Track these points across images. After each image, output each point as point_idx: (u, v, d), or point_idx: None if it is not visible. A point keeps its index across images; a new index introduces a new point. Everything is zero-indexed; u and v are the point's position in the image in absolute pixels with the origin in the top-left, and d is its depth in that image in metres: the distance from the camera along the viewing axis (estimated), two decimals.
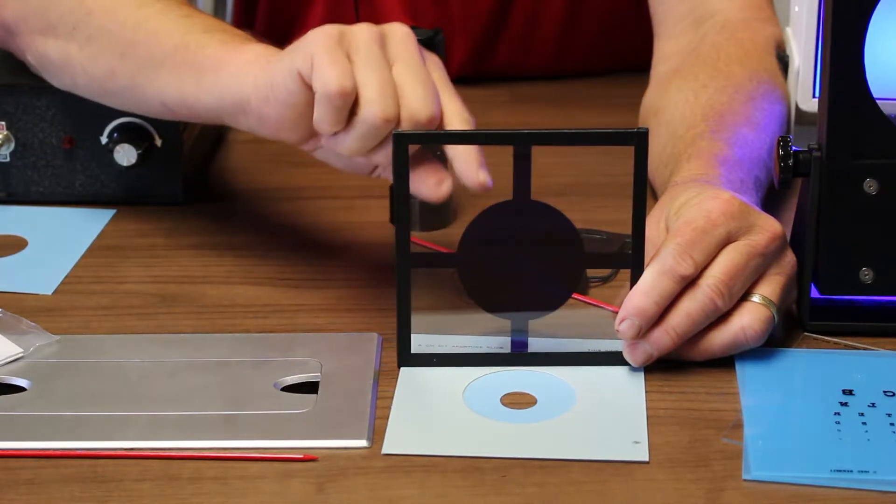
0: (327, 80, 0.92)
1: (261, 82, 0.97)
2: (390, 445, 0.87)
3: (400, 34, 0.96)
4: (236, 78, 0.99)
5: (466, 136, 0.94)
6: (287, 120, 0.96)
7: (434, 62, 0.97)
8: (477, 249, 0.93)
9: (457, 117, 0.95)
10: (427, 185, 0.94)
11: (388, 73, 0.93)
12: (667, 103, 1.17)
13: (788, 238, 1.03)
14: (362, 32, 0.95)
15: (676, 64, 1.22)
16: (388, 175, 0.97)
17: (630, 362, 0.94)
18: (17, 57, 1.17)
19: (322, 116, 0.93)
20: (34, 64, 1.14)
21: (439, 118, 0.94)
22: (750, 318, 0.94)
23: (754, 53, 1.19)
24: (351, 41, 0.94)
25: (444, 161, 0.94)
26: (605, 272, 1.06)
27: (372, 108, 0.92)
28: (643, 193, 0.91)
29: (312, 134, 0.97)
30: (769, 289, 0.94)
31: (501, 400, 0.92)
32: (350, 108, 0.92)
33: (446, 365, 0.95)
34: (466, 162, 0.93)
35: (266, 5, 1.49)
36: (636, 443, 0.87)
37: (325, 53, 0.93)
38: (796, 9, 1.19)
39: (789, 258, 0.96)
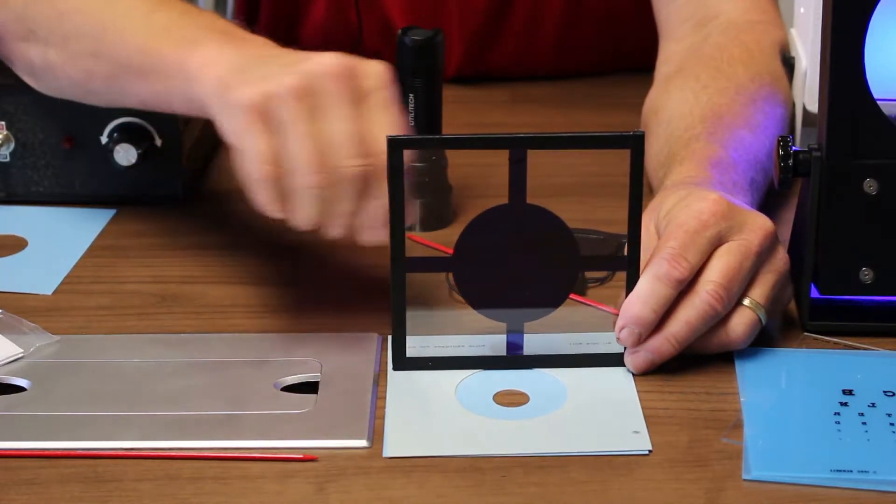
0: (251, 168, 0.90)
1: (214, 109, 0.94)
2: (391, 448, 0.87)
3: (329, 77, 0.91)
4: (194, 88, 0.96)
5: (461, 141, 0.94)
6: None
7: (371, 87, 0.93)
8: (473, 253, 0.93)
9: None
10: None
11: (313, 141, 0.90)
12: (667, 103, 1.17)
13: (788, 238, 1.04)
14: (288, 95, 0.90)
15: (679, 64, 1.22)
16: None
17: (631, 369, 0.94)
18: (6, 64, 1.16)
19: (263, 202, 0.91)
20: (21, 72, 1.14)
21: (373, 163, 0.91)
22: (734, 321, 0.94)
23: (758, 55, 1.19)
24: (276, 109, 0.90)
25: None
26: (603, 273, 1.06)
27: (305, 179, 0.90)
28: (639, 196, 0.91)
29: None
30: (758, 290, 0.95)
31: (494, 398, 0.92)
32: (285, 183, 0.90)
33: (441, 368, 0.95)
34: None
35: (268, 4, 1.49)
36: (636, 432, 0.88)
37: (242, 136, 0.90)
38: (801, 10, 1.18)
39: (781, 255, 0.96)
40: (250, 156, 0.90)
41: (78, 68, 1.07)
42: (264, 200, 0.91)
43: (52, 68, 1.09)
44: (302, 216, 0.92)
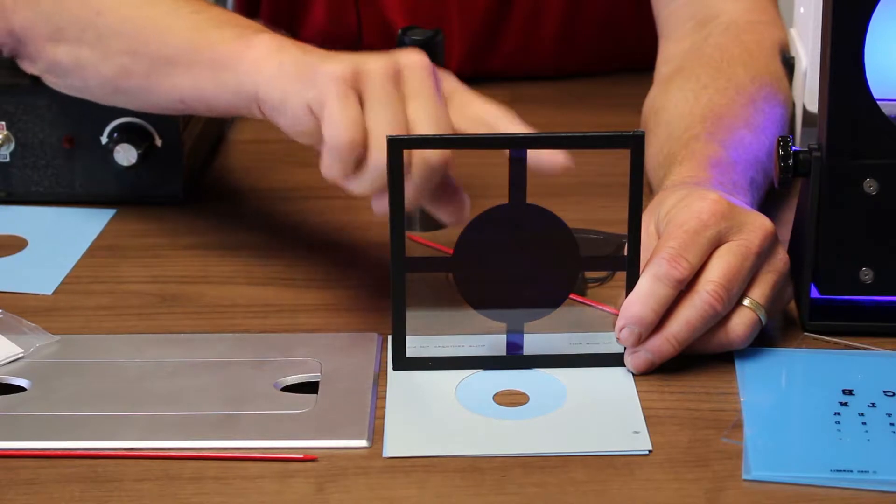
0: (337, 132, 0.91)
1: (274, 93, 0.96)
2: (391, 448, 0.87)
3: (417, 68, 0.94)
4: (249, 77, 0.98)
5: (462, 140, 0.94)
6: (298, 134, 0.96)
7: (452, 87, 0.96)
8: (473, 253, 0.93)
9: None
10: (447, 210, 0.95)
11: (400, 117, 0.93)
12: (667, 103, 1.17)
13: (788, 238, 1.04)
14: (376, 72, 0.93)
15: (679, 64, 1.22)
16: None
17: (631, 369, 0.94)
18: (23, 68, 1.16)
19: (331, 165, 0.93)
20: (44, 71, 1.13)
21: (450, 159, 0.93)
22: (734, 322, 0.94)
23: (758, 56, 1.19)
24: (364, 82, 0.93)
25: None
26: (603, 273, 1.06)
27: (381, 156, 0.91)
28: (639, 196, 0.91)
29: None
30: (759, 291, 0.95)
31: (494, 398, 0.92)
32: (360, 155, 0.92)
33: (441, 368, 0.95)
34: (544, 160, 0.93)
35: (268, 4, 1.49)
36: (636, 432, 0.88)
37: (336, 100, 0.92)
38: (801, 10, 1.18)
39: (781, 255, 0.96)
40: (337, 121, 0.92)
41: (112, 66, 1.07)
42: (337, 167, 0.93)
43: (83, 67, 1.09)
44: (365, 188, 0.93)
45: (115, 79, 1.08)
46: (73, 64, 1.10)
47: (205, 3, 1.07)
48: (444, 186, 0.94)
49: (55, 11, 1.10)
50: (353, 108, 0.92)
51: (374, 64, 0.94)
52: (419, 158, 0.91)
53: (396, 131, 0.92)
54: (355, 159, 0.92)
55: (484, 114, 0.95)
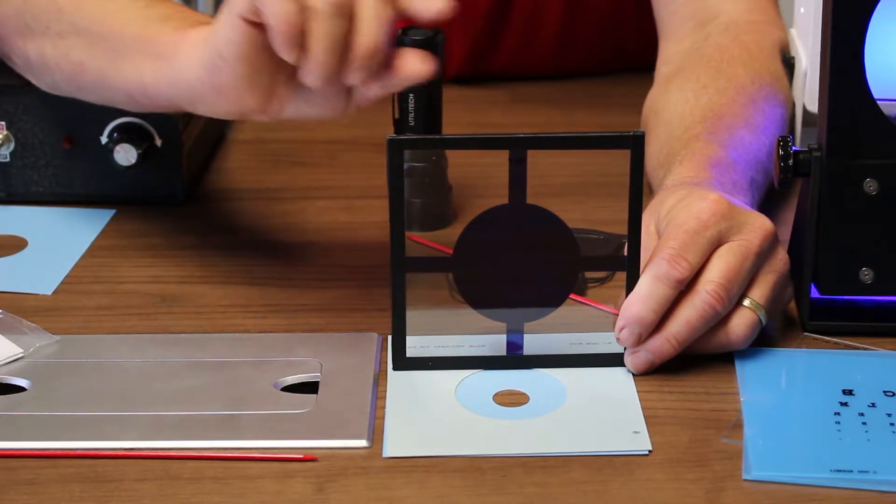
0: (274, 9, 0.88)
1: (206, 55, 0.94)
2: (391, 448, 0.87)
3: None
4: (186, 61, 0.97)
5: (461, 141, 0.94)
6: (243, 79, 0.93)
7: None
8: (472, 253, 0.93)
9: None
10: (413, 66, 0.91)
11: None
12: (667, 103, 1.17)
13: (788, 238, 1.04)
14: None
15: (679, 64, 1.22)
16: (368, 95, 0.93)
17: (631, 369, 0.94)
18: (5, 61, 1.16)
19: (280, 46, 0.89)
20: (20, 66, 1.14)
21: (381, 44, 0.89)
22: (735, 322, 0.94)
23: (758, 56, 1.19)
24: None
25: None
26: (603, 273, 1.06)
27: (328, 26, 0.88)
28: (639, 196, 0.91)
29: (274, 90, 0.94)
30: (759, 291, 0.95)
31: (494, 398, 0.92)
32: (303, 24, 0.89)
33: (441, 368, 0.95)
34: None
35: None
36: (636, 433, 0.88)
37: None
38: (801, 10, 1.18)
39: (781, 255, 0.96)
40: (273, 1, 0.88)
41: (71, 62, 1.07)
42: (285, 42, 0.89)
43: (47, 63, 1.09)
44: (318, 63, 0.89)
45: (73, 74, 1.08)
46: (40, 60, 1.10)
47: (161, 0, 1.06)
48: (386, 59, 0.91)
49: (22, 9, 1.10)
50: None
51: None
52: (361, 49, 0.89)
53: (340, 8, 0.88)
54: (300, 33, 0.88)
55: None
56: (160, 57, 1.00)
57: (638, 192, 0.91)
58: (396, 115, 1.12)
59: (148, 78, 1.01)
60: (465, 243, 0.93)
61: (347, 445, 0.87)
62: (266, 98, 0.95)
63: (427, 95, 1.12)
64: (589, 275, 1.05)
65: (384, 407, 0.91)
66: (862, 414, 0.90)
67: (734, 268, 0.93)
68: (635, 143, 0.91)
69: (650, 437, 0.88)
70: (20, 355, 0.96)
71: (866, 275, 0.98)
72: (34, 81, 1.13)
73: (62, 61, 1.08)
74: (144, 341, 0.99)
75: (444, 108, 1.13)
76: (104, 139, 1.18)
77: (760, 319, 0.95)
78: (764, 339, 0.97)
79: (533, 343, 0.95)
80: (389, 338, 0.95)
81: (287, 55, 0.90)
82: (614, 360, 0.94)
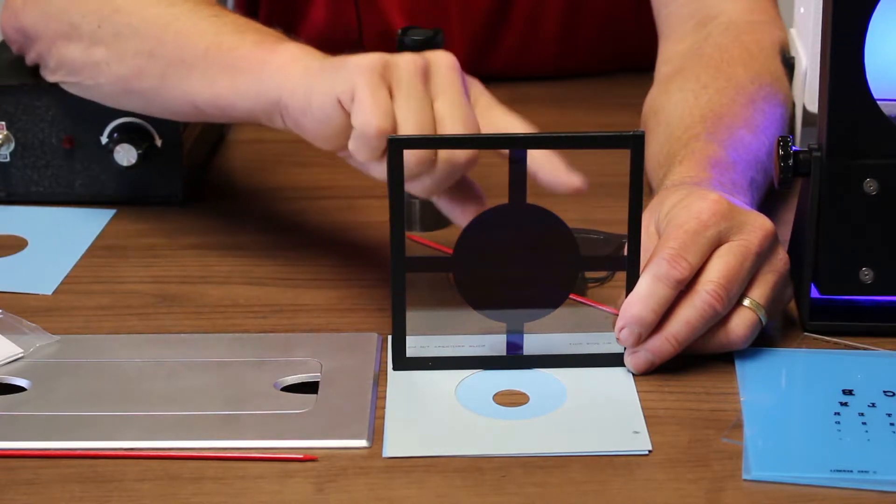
0: (366, 119, 0.92)
1: (299, 92, 0.96)
2: (391, 448, 0.87)
3: (444, 66, 0.95)
4: (273, 81, 0.98)
5: (463, 140, 0.94)
6: (322, 135, 0.96)
7: (478, 91, 0.97)
8: (473, 253, 0.93)
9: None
10: (457, 211, 0.95)
11: (428, 111, 0.93)
12: (666, 103, 1.17)
13: (788, 238, 1.04)
14: (406, 65, 0.94)
15: (679, 64, 1.22)
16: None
17: (631, 369, 0.94)
18: (30, 63, 1.16)
19: (358, 149, 0.93)
20: (52, 69, 1.13)
21: (477, 158, 0.94)
22: (734, 322, 0.94)
23: (758, 55, 1.19)
24: (394, 74, 0.93)
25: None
26: (603, 273, 1.06)
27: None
28: (639, 196, 0.91)
29: (346, 146, 0.96)
30: (759, 291, 0.95)
31: (494, 398, 0.92)
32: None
33: (441, 368, 0.95)
34: (552, 171, 0.93)
35: (267, 5, 1.49)
36: (636, 433, 0.88)
37: (366, 88, 0.92)
38: (801, 10, 1.18)
39: (781, 255, 0.96)
40: (369, 108, 0.92)
41: (127, 65, 1.07)
42: (364, 152, 0.93)
43: (96, 66, 1.09)
44: (383, 173, 0.93)
45: (128, 79, 1.08)
46: (86, 63, 1.09)
47: (224, 9, 1.07)
48: (461, 185, 0.95)
49: (69, 8, 1.09)
50: (384, 97, 0.92)
51: (403, 58, 0.94)
52: (446, 154, 0.92)
53: (425, 124, 0.92)
54: (383, 146, 0.92)
55: (506, 123, 0.96)
56: (240, 71, 1.00)
57: (638, 192, 0.91)
58: None
59: (224, 90, 1.01)
60: (465, 243, 0.93)
61: (347, 445, 0.87)
62: (337, 150, 0.97)
63: None
64: (589, 275, 1.05)
65: (384, 407, 0.91)
66: (862, 414, 0.90)
67: (734, 268, 0.93)
68: (635, 143, 0.91)
69: (650, 437, 0.88)
70: (20, 355, 0.96)
71: (866, 275, 0.98)
72: (67, 87, 1.13)
73: (115, 64, 1.07)
74: (144, 341, 0.99)
75: None
76: (104, 139, 1.18)
77: (760, 319, 0.95)
78: (764, 339, 0.97)
79: (533, 343, 0.95)
80: (389, 338, 0.95)
81: (358, 160, 0.94)
82: (614, 360, 0.94)
